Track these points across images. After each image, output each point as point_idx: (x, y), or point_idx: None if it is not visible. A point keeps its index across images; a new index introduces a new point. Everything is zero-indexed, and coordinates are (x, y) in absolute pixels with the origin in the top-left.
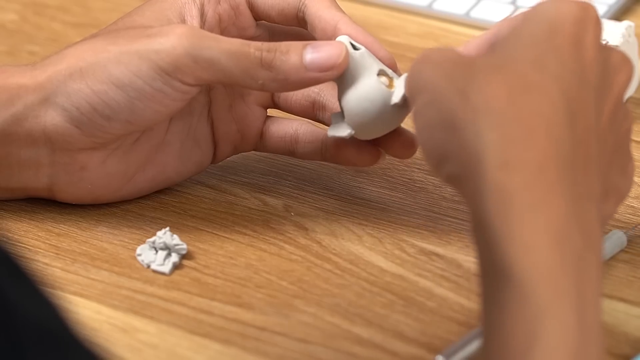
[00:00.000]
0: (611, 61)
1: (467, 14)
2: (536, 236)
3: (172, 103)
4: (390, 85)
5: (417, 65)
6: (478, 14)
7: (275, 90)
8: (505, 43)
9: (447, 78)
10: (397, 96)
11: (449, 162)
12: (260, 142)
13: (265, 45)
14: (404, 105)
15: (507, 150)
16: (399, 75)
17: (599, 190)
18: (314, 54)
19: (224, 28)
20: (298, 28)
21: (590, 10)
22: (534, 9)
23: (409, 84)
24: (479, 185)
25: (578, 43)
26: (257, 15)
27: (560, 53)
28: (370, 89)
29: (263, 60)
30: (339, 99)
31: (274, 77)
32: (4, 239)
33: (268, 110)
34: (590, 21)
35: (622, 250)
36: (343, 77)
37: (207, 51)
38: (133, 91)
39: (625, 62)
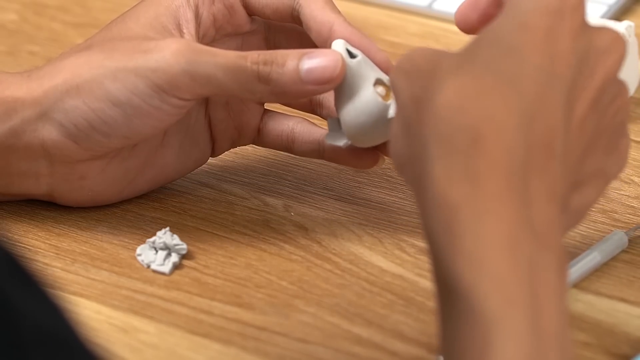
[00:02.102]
0: (596, 44)
1: None
2: (481, 247)
3: (169, 118)
4: (387, 96)
5: (392, 73)
6: None
7: (272, 102)
8: (475, 41)
9: (408, 86)
10: (394, 110)
11: (406, 172)
12: (258, 137)
13: (262, 57)
14: None
15: (451, 162)
16: None
17: (564, 187)
18: (310, 65)
19: (218, 27)
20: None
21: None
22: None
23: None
24: (426, 199)
25: (550, 36)
26: (252, 13)
27: (524, 51)
28: (367, 101)
29: (260, 74)
30: (336, 108)
31: (272, 90)
32: (6, 239)
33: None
34: (568, 9)
35: (622, 251)
36: (340, 87)
37: (203, 67)
38: (130, 109)
39: (615, 41)
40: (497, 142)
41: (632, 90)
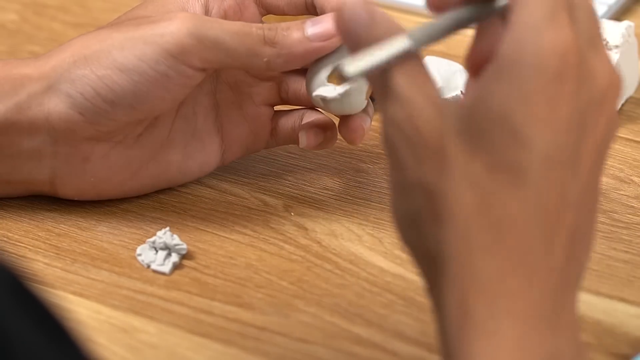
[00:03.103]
0: (595, 94)
1: None
2: (494, 352)
3: (176, 88)
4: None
5: (385, 126)
6: None
7: (281, 67)
8: (480, 114)
9: (416, 166)
10: (318, 92)
11: (415, 259)
12: (271, 138)
13: (266, 24)
14: (342, 98)
15: (465, 268)
16: None
17: (583, 266)
18: (314, 26)
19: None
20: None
21: (570, 50)
22: (511, 57)
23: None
24: (440, 298)
25: (552, 106)
26: (266, 8)
27: (531, 134)
28: (315, 80)
29: (266, 37)
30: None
31: (279, 52)
32: (13, 262)
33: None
34: (569, 70)
35: (622, 251)
36: (320, 57)
37: (211, 31)
38: (137, 75)
39: (611, 84)
40: (515, 242)
41: (632, 89)
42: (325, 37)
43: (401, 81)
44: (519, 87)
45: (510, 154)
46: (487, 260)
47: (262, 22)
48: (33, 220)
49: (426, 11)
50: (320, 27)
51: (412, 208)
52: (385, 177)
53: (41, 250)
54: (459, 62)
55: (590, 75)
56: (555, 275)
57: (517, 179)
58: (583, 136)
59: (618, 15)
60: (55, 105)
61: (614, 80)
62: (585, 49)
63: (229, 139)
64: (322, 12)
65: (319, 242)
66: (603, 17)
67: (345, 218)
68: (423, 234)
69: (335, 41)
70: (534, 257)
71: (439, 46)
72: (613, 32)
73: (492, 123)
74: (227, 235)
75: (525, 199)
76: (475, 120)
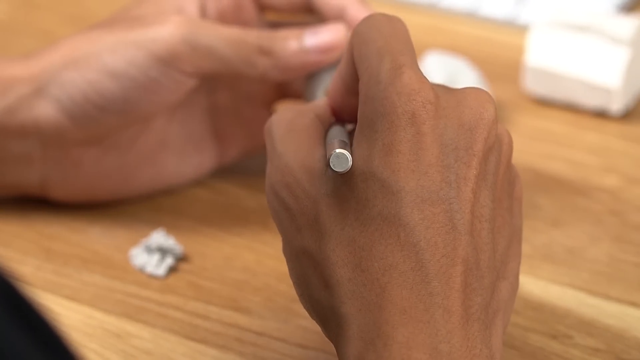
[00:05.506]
0: (464, 125)
1: (471, 12)
2: None
3: (167, 94)
4: None
5: (266, 192)
6: (482, 11)
7: (276, 77)
8: (345, 175)
9: (298, 235)
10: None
11: (316, 319)
12: None
13: (264, 33)
14: None
15: (355, 327)
16: None
17: (487, 296)
18: (313, 38)
19: (226, 24)
20: (302, 23)
21: (418, 91)
22: (365, 115)
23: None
24: (341, 355)
25: (412, 146)
26: (263, 5)
27: (395, 177)
28: (311, 97)
29: (262, 47)
30: (307, 90)
31: (275, 63)
32: (5, 268)
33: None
34: (422, 104)
35: (630, 253)
36: (314, 79)
37: (205, 38)
38: (127, 81)
39: (483, 110)
40: (403, 293)
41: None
42: (323, 50)
43: (280, 147)
44: (378, 140)
45: (382, 205)
46: (376, 316)
47: (260, 19)
48: (23, 221)
49: (429, 10)
50: (318, 38)
51: (303, 273)
52: None
53: (32, 253)
54: (465, 58)
55: (453, 106)
56: (454, 315)
57: (391, 228)
58: (458, 168)
59: (630, 6)
60: (44, 109)
61: (485, 104)
62: (440, 89)
63: (226, 141)
64: (321, 10)
65: None
66: (613, 10)
67: None
68: (316, 297)
69: (335, 54)
70: (422, 303)
71: (445, 40)
72: (623, 27)
73: (360, 180)
74: (224, 237)
75: (403, 244)
76: (343, 180)
